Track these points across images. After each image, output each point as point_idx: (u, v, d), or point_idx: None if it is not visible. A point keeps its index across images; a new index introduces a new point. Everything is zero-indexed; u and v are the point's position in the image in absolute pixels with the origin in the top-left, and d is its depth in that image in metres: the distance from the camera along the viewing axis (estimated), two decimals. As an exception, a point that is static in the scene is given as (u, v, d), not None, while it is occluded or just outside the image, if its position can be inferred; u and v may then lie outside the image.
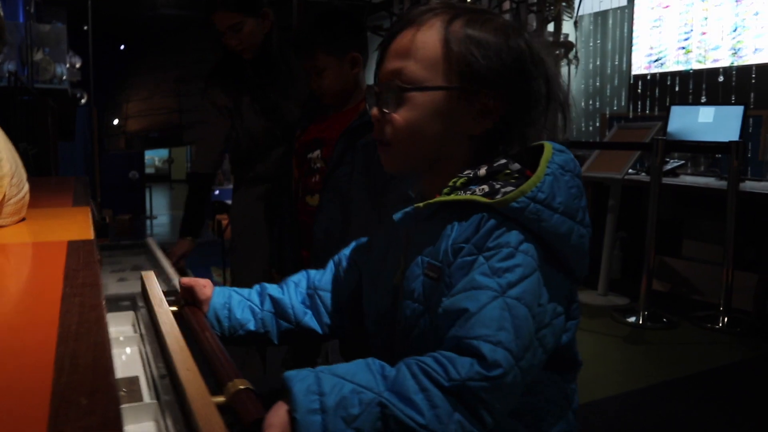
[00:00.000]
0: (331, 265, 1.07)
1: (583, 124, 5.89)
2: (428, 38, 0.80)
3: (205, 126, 2.08)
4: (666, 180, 3.61)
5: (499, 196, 0.74)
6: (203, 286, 0.95)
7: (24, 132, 3.79)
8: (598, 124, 5.68)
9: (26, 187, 1.14)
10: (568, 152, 0.81)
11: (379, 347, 0.91)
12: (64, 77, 5.70)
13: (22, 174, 1.14)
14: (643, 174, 4.06)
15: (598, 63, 5.76)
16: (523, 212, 0.73)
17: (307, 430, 0.62)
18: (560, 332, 0.77)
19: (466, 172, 0.80)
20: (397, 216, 0.83)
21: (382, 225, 0.95)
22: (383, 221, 0.93)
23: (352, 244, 1.07)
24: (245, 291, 1.00)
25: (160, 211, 9.51)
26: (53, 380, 0.45)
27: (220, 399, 0.63)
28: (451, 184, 0.80)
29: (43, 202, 1.32)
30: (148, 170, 11.44)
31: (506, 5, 5.62)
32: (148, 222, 8.27)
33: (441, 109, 0.80)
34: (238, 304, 0.97)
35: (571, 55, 5.22)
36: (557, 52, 5.18)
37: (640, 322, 3.42)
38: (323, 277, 1.05)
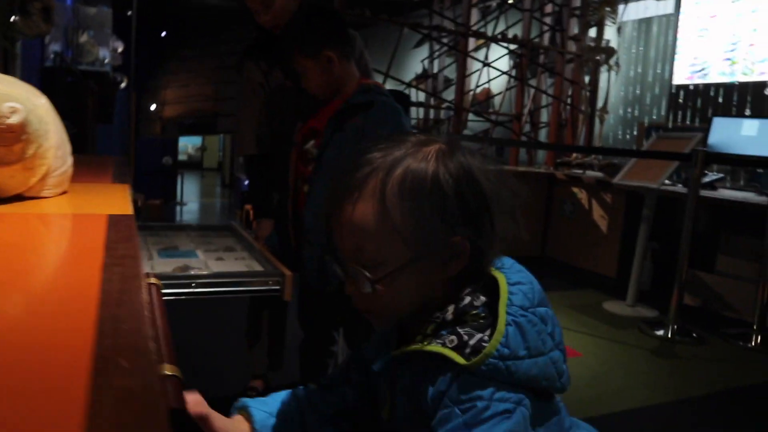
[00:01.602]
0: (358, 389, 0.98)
1: (620, 132, 5.79)
2: (369, 212, 0.74)
3: (240, 105, 2.09)
4: (703, 193, 3.54)
5: (467, 350, 0.72)
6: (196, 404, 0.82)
7: (66, 111, 3.87)
8: (635, 133, 5.58)
9: (70, 160, 1.16)
10: (524, 275, 0.79)
11: None
12: (106, 60, 5.80)
13: (67, 148, 1.16)
14: (680, 185, 3.98)
15: (639, 70, 5.67)
16: (493, 373, 0.72)
17: None
18: None
19: (435, 316, 0.77)
20: (376, 367, 0.82)
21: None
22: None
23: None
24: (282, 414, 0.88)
25: (190, 197, 9.64)
26: (95, 341, 0.46)
27: None
28: (422, 331, 0.77)
29: (84, 178, 1.35)
30: (181, 157, 11.61)
31: (548, 8, 5.56)
32: (178, 208, 8.39)
33: (411, 279, 0.77)
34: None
35: (612, 61, 5.15)
36: (598, 57, 5.10)
37: (669, 335, 3.35)
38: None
